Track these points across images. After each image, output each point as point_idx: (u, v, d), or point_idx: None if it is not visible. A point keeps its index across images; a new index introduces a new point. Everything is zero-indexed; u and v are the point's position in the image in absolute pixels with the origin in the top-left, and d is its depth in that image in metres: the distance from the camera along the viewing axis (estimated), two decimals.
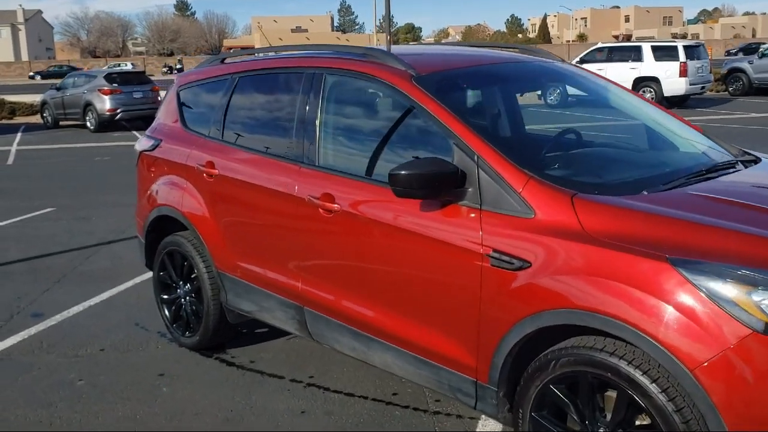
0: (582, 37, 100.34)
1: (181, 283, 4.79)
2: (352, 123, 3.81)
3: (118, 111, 20.72)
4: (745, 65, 25.98)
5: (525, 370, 2.89)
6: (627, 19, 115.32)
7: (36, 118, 25.29)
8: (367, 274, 3.45)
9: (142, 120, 21.65)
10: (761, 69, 25.02)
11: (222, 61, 4.84)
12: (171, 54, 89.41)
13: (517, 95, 4.19)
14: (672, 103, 21.49)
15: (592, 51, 23.76)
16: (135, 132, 20.57)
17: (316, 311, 3.77)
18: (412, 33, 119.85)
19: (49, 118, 22.71)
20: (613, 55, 22.89)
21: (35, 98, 28.79)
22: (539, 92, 3.93)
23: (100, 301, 5.93)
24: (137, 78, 22.09)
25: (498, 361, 2.91)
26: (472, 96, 3.81)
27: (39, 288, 6.31)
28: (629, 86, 20.56)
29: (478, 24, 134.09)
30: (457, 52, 4.30)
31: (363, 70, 3.63)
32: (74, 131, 21.57)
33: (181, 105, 4.91)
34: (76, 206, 10.06)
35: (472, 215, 2.97)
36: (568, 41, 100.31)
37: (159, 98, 21.81)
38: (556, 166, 3.38)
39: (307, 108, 3.83)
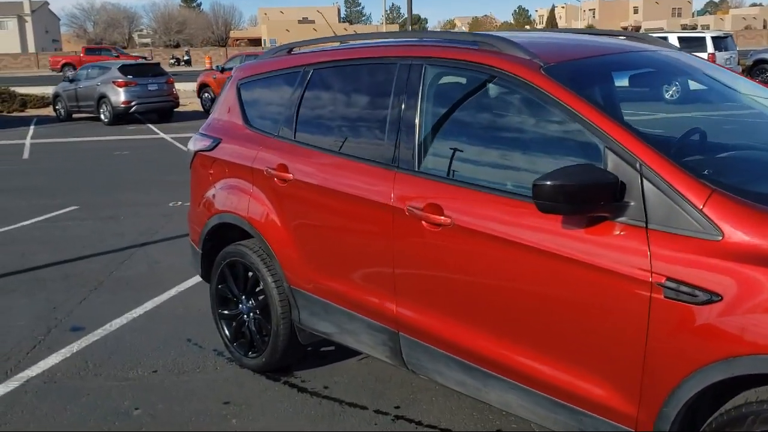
0: (591, 28, 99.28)
1: (243, 297, 4.29)
2: (460, 121, 3.30)
3: (133, 104, 20.22)
4: None
5: (704, 425, 2.37)
6: (635, 11, 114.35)
7: (48, 111, 24.81)
8: (485, 299, 2.94)
9: (156, 113, 21.16)
10: None
11: (289, 52, 4.32)
12: (177, 45, 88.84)
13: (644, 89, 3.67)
14: None
15: None
16: (150, 125, 20.09)
17: (415, 338, 3.27)
18: (418, 24, 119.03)
19: (62, 111, 22.23)
20: None
21: (45, 90, 28.37)
22: (666, 86, 3.39)
23: (143, 312, 5.44)
24: (152, 70, 21.57)
25: (670, 412, 2.41)
26: (610, 90, 3.29)
27: (75, 297, 5.82)
28: None
29: (485, 15, 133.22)
30: (573, 40, 3.77)
31: (475, 60, 3.12)
32: (88, 124, 21.08)
33: (242, 101, 4.40)
34: (101, 204, 9.58)
35: (636, 235, 2.46)
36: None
37: (174, 90, 21.29)
38: (707, 172, 2.85)
39: (404, 104, 3.32)
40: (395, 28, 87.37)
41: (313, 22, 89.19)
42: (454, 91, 3.38)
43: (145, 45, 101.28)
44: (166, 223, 8.35)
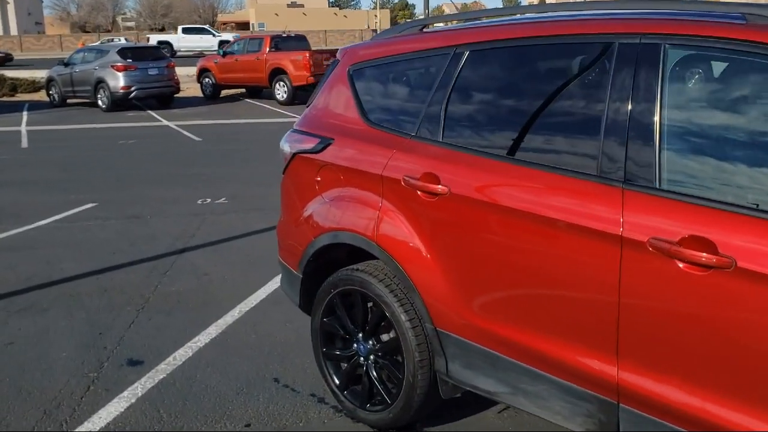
0: None
1: (360, 336, 3.43)
2: (731, 124, 2.43)
3: (133, 89, 19.21)
4: None
5: None
6: None
7: (39, 96, 23.75)
8: None
9: (156, 99, 20.16)
10: None
11: (422, 29, 3.45)
12: (162, 29, 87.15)
13: None
14: None
15: None
16: (150, 111, 19.09)
17: (649, 414, 2.42)
18: (407, 9, 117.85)
19: (56, 96, 21.16)
20: None
21: (35, 74, 27.21)
22: None
23: (209, 340, 4.57)
24: (152, 53, 20.56)
25: None
26: None
27: (121, 319, 4.94)
28: None
29: (475, 1, 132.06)
30: None
31: (748, 38, 2.25)
32: (84, 110, 20.04)
33: (357, 91, 3.52)
34: (121, 201, 8.66)
35: None
36: None
37: (175, 75, 20.29)
38: None
39: (630, 99, 2.47)
40: (386, 13, 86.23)
41: (302, 6, 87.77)
42: (709, 80, 2.52)
43: (130, 29, 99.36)
44: (201, 224, 7.46)
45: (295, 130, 3.83)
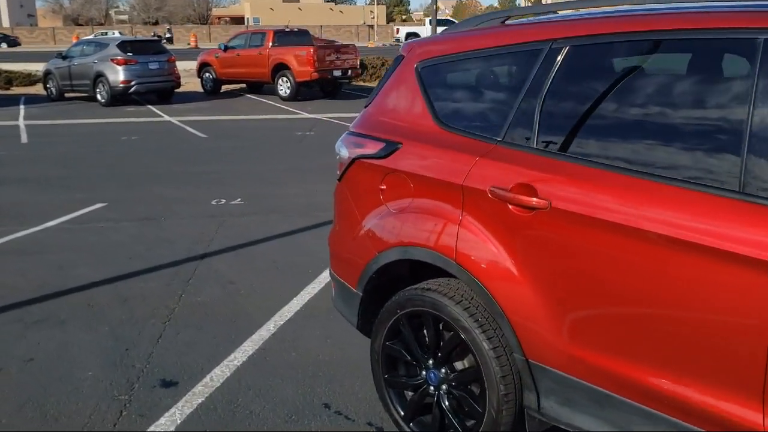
0: None
1: (431, 362, 3.07)
2: None
3: (133, 83, 18.77)
4: None
5: None
6: None
7: (35, 89, 23.28)
8: None
9: (155, 94, 19.72)
10: None
11: (504, 22, 3.08)
12: (156, 23, 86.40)
13: None
14: None
15: None
16: (150, 106, 18.66)
17: None
18: (402, 5, 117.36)
19: (53, 90, 20.68)
20: None
21: (29, 67, 26.71)
22: None
23: (246, 358, 4.21)
24: (153, 47, 20.10)
25: None
26: None
27: (147, 332, 4.57)
28: None
29: None
30: None
31: None
32: (83, 104, 19.59)
33: (427, 90, 3.16)
34: (131, 201, 8.27)
35: None
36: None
37: (176, 70, 19.86)
38: None
39: None
40: (382, 9, 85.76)
41: (297, 1, 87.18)
42: None
43: (123, 22, 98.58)
44: (219, 227, 7.08)
45: (354, 133, 3.47)
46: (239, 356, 4.26)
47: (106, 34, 57.23)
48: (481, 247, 2.81)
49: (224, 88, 22.50)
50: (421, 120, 3.18)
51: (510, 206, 2.71)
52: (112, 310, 5.01)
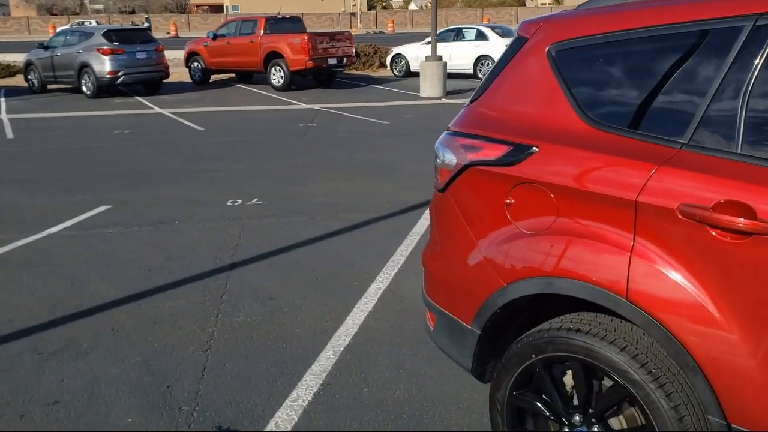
0: (558, 1, 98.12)
1: (577, 418, 2.45)
2: None
3: (120, 74, 17.94)
4: None
5: None
6: None
7: (15, 81, 22.35)
8: None
9: (143, 84, 18.90)
10: None
11: None
12: (132, 12, 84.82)
13: None
14: None
15: None
16: (138, 98, 17.85)
17: None
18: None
19: (35, 81, 19.79)
20: None
21: (6, 57, 25.73)
22: None
23: (311, 397, 3.59)
24: (140, 36, 19.24)
25: None
26: None
27: (188, 365, 3.94)
28: None
29: None
30: None
31: None
32: (67, 96, 18.73)
33: (565, 80, 2.52)
34: (138, 203, 7.58)
35: None
36: (543, 4, 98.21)
37: (164, 59, 19.03)
38: None
39: None
40: None
41: None
42: None
43: (98, 11, 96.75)
44: (241, 232, 6.42)
45: (461, 133, 2.83)
46: (303, 394, 3.62)
47: (83, 23, 55.87)
48: (665, 281, 2.19)
49: (213, 77, 21.67)
50: (562, 117, 2.55)
51: (712, 230, 2.08)
52: (142, 336, 4.35)
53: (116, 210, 7.38)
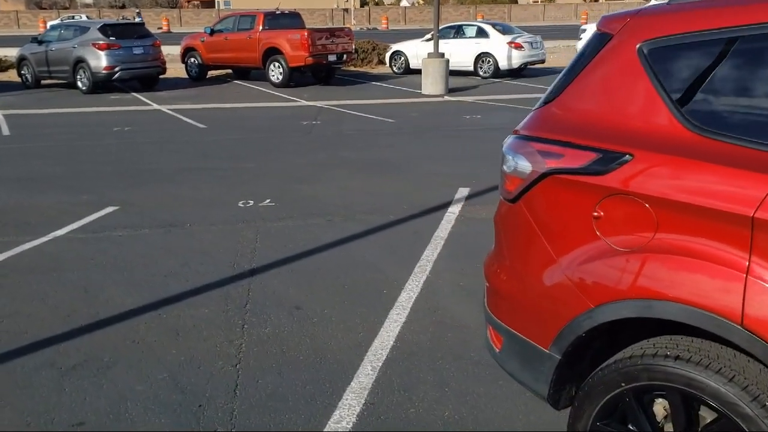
0: None
1: None
2: None
3: (117, 69, 17.61)
4: None
5: None
6: None
7: (8, 76, 21.93)
8: None
9: (139, 80, 18.56)
10: None
11: None
12: (123, 6, 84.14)
13: None
14: None
15: None
16: (135, 94, 17.53)
17: None
18: None
19: (29, 77, 19.42)
20: None
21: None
22: None
23: (356, 418, 3.43)
24: (136, 31, 18.91)
25: None
26: None
27: (218, 381, 3.71)
28: None
29: None
30: None
31: None
32: (62, 92, 18.38)
33: (661, 80, 2.29)
34: (146, 204, 7.31)
35: None
36: (536, 1, 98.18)
37: (161, 55, 18.70)
38: None
39: None
40: None
41: None
42: None
43: (87, 6, 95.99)
44: (257, 235, 6.16)
45: (536, 138, 2.58)
46: (346, 415, 3.38)
47: (73, 18, 55.29)
48: None
49: (210, 73, 21.35)
50: (659, 122, 2.31)
51: None
52: (165, 349, 4.10)
53: (124, 211, 7.11)
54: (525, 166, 2.61)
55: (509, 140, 2.77)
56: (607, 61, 2.50)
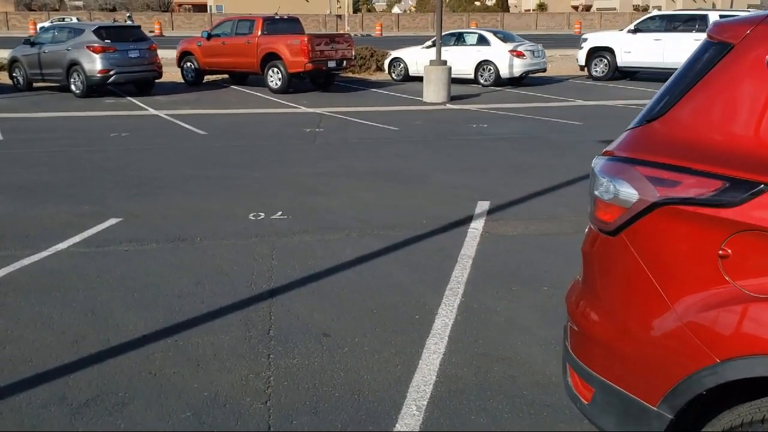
0: (542, 7, 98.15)
1: None
2: None
3: (112, 73, 17.18)
4: None
5: None
6: None
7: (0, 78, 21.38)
8: None
9: (134, 84, 18.14)
10: None
11: None
12: (113, 9, 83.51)
13: None
14: None
15: (645, 20, 21.42)
16: (130, 98, 17.10)
17: None
18: (366, 5, 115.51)
19: (21, 79, 18.96)
20: (673, 24, 20.46)
21: None
22: None
23: None
24: (132, 34, 18.50)
25: None
26: None
27: (247, 421, 3.42)
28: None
29: None
30: None
31: None
32: (55, 95, 17.94)
33: None
34: (151, 215, 6.93)
35: None
36: (528, 10, 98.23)
37: (157, 58, 18.29)
38: None
39: None
40: None
41: None
42: None
43: (78, 8, 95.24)
44: (273, 251, 5.80)
45: (641, 161, 2.23)
46: None
47: (63, 20, 54.70)
48: None
49: (206, 78, 20.94)
50: None
51: None
52: (185, 382, 3.72)
53: (128, 223, 6.71)
54: (629, 193, 2.25)
55: (602, 162, 2.41)
56: (731, 75, 2.15)
